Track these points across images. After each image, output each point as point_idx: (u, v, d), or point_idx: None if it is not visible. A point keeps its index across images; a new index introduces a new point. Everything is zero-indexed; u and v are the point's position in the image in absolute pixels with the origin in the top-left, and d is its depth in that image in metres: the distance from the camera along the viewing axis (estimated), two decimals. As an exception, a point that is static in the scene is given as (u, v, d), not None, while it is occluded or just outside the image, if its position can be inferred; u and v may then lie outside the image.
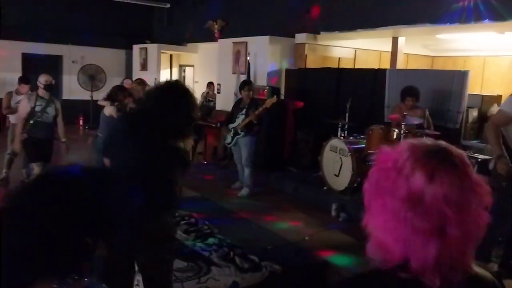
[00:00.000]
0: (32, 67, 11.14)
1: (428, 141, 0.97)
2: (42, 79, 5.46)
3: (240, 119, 6.12)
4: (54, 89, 5.68)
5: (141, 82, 6.59)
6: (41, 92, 5.41)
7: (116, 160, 2.58)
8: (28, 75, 7.22)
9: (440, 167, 0.89)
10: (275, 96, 6.39)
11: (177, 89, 2.58)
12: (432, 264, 0.88)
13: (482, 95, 6.86)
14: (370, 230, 0.94)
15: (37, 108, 5.34)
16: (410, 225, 0.87)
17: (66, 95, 12.82)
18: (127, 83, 7.90)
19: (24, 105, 5.35)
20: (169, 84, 2.73)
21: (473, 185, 0.90)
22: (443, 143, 0.96)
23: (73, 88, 12.63)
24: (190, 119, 2.53)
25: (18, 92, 6.54)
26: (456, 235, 0.87)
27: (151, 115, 2.46)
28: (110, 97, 5.56)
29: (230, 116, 6.34)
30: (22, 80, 6.69)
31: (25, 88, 6.56)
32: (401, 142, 0.98)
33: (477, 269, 0.97)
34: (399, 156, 0.92)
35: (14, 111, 6.41)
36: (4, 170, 6.60)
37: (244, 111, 6.12)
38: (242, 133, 6.07)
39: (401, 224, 0.88)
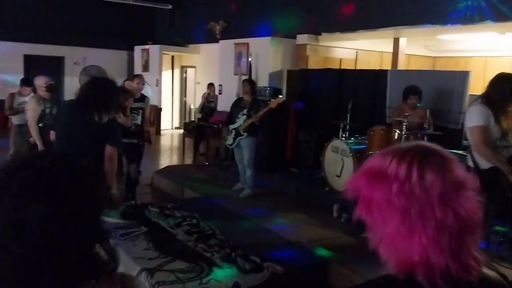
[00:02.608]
0: (34, 68, 11.19)
1: (406, 143, 1.00)
2: (42, 82, 5.42)
3: (241, 120, 6.03)
4: (56, 90, 5.67)
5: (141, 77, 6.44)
6: (43, 94, 5.40)
7: (59, 135, 3.63)
8: (30, 77, 7.23)
9: (425, 163, 0.91)
10: (280, 96, 6.25)
11: (100, 80, 3.76)
12: (441, 259, 0.88)
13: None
14: (380, 240, 0.94)
15: (47, 111, 5.32)
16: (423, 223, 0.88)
17: (68, 97, 12.81)
18: (128, 85, 7.88)
19: (34, 108, 5.27)
20: (95, 78, 4.06)
21: (457, 176, 0.92)
22: (421, 142, 1.00)
23: (75, 90, 12.61)
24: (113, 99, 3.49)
25: (20, 94, 6.57)
26: (453, 228, 0.88)
27: (84, 102, 3.43)
28: None
29: (230, 116, 6.25)
30: (24, 82, 6.71)
31: (27, 90, 6.58)
32: (380, 151, 1.00)
33: (485, 269, 0.98)
34: (386, 162, 0.94)
35: (16, 112, 6.43)
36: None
37: (245, 111, 6.02)
38: (245, 134, 6.01)
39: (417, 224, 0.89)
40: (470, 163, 3.86)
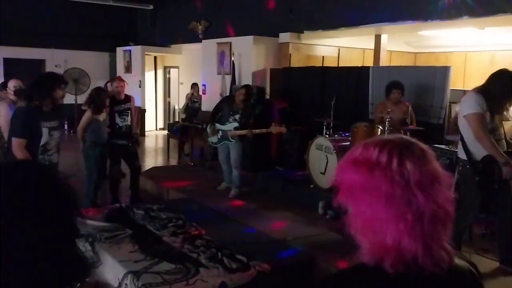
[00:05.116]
0: (14, 72, 10.97)
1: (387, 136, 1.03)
2: (10, 84, 5.35)
3: (231, 125, 5.86)
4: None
5: (119, 79, 6.39)
6: (12, 97, 5.23)
7: None
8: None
9: (405, 153, 0.94)
10: (285, 125, 6.04)
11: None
12: (414, 249, 0.90)
13: (464, 90, 6.93)
14: (358, 225, 0.96)
15: None
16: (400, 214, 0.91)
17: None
18: (111, 86, 7.79)
19: (6, 113, 5.09)
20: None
21: (434, 169, 0.95)
22: (402, 135, 1.03)
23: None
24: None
25: (0, 98, 6.44)
26: (427, 216, 0.91)
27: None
28: (91, 100, 5.48)
29: (217, 113, 6.07)
30: (3, 86, 6.59)
31: (6, 94, 6.47)
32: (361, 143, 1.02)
33: (455, 259, 0.99)
34: (369, 151, 0.96)
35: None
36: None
37: (237, 117, 5.86)
38: (234, 141, 5.90)
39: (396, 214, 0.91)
40: (462, 155, 3.81)
